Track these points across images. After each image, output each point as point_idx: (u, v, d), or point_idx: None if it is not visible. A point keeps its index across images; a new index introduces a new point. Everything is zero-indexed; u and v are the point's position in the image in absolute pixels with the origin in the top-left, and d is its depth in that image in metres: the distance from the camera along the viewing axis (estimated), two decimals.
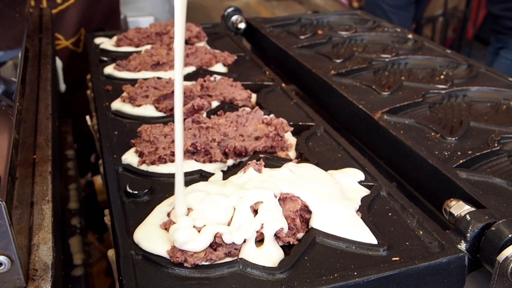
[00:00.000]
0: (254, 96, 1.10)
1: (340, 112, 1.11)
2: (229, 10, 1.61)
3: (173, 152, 0.82)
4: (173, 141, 0.84)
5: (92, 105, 1.26)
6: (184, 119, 0.88)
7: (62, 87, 1.34)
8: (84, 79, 1.88)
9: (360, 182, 0.79)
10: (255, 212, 0.65)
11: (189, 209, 0.65)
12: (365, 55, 1.33)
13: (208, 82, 1.07)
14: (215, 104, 1.05)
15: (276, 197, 0.67)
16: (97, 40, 1.44)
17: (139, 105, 1.01)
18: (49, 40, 1.16)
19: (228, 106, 1.04)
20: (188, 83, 1.11)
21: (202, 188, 0.68)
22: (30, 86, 0.89)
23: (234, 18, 1.60)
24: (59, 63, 1.29)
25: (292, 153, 0.89)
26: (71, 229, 1.13)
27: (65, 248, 1.01)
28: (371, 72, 1.24)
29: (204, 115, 0.99)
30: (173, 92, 1.00)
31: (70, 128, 1.66)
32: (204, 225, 0.62)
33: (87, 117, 1.04)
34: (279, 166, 0.82)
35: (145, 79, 1.13)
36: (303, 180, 0.71)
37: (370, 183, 0.78)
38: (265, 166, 0.76)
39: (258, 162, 0.74)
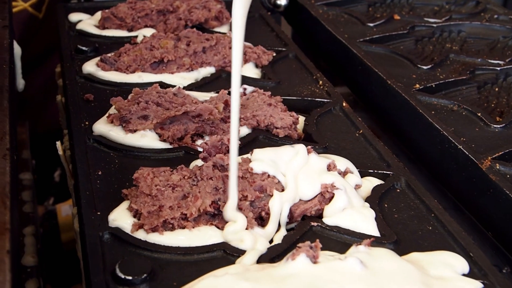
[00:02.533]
0: (301, 120, 1.08)
1: (427, 150, 1.08)
2: None
3: (185, 214, 0.80)
4: (184, 197, 0.82)
5: (62, 117, 1.25)
6: (203, 163, 0.86)
7: (20, 84, 1.33)
8: (46, 54, 1.88)
9: (463, 275, 0.76)
10: None
11: None
12: (464, 58, 1.30)
13: None
14: (244, 131, 1.03)
15: None
16: (73, 17, 1.43)
17: (135, 131, 0.99)
18: (6, 20, 1.15)
19: (264, 136, 1.01)
20: (205, 96, 1.09)
21: (224, 285, 0.66)
22: None
23: None
24: (17, 50, 1.28)
25: None
26: None
27: None
28: (474, 88, 1.20)
29: None
30: (184, 113, 0.98)
31: (26, 137, 1.65)
32: None
33: (58, 143, 1.03)
34: (340, 244, 0.80)
35: (142, 86, 1.11)
36: (380, 277, 0.68)
37: (478, 280, 0.75)
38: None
39: (313, 245, 0.71)
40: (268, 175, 0.85)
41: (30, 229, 1.30)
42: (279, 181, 0.85)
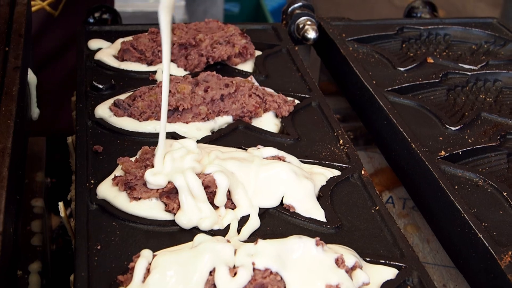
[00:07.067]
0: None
1: (447, 229, 1.04)
2: (295, 5, 1.55)
3: None
4: None
5: (73, 160, 1.23)
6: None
7: (35, 112, 1.31)
8: (60, 51, 1.86)
9: None
10: None
11: None
12: (497, 118, 1.24)
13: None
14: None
15: None
16: (92, 44, 1.40)
17: (139, 199, 0.96)
18: (19, 60, 1.12)
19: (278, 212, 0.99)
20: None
21: None
22: None
23: (301, 20, 1.53)
24: (32, 79, 1.26)
25: None
26: None
27: None
28: (504, 156, 1.14)
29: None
30: None
31: (43, 155, 1.63)
32: None
33: (60, 205, 1.01)
34: None
35: (155, 137, 1.08)
36: None
37: None
38: None
39: None
40: (271, 271, 0.82)
41: (37, 265, 1.28)
42: (281, 279, 0.82)
